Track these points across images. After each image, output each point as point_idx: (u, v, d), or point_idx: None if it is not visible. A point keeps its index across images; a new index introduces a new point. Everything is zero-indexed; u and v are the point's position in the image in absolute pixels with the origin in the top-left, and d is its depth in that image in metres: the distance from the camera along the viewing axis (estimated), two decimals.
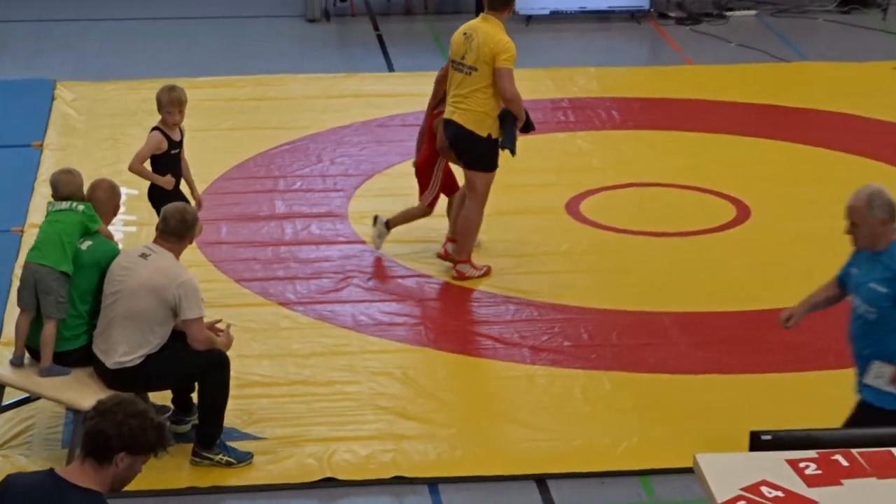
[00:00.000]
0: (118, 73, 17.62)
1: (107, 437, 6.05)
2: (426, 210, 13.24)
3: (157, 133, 12.27)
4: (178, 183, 12.34)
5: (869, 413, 9.01)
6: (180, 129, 12.37)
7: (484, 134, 12.62)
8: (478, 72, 12.55)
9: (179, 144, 12.37)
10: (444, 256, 13.14)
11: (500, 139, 12.67)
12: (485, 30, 12.63)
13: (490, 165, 12.78)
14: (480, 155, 12.73)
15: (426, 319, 12.22)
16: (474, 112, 12.58)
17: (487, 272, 12.93)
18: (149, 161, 12.28)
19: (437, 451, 10.45)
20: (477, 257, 12.98)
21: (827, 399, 11.11)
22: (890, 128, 16.10)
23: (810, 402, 11.05)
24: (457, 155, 12.91)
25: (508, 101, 12.57)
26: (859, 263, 9.01)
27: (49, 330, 10.13)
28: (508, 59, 12.55)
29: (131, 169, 12.36)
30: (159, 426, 6.16)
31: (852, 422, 9.13)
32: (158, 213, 11.36)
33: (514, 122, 12.70)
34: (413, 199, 14.13)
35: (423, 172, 13.24)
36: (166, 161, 12.28)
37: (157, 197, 12.19)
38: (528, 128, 12.89)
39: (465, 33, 12.75)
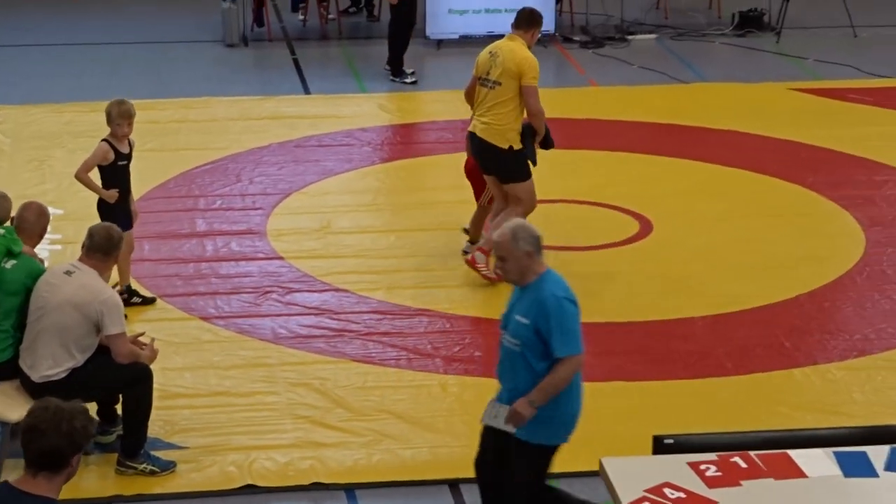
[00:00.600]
0: (43, 97, 17.52)
1: (61, 450, 6.11)
2: (487, 207, 13.40)
3: (105, 144, 12.27)
4: (127, 196, 12.36)
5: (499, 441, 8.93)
6: (129, 142, 12.38)
7: (505, 146, 12.80)
8: (502, 86, 12.76)
9: (128, 157, 12.37)
10: (471, 263, 13.15)
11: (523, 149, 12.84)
12: (510, 47, 12.86)
13: (523, 174, 12.94)
14: (508, 167, 12.91)
15: (343, 332, 12.19)
16: (493, 126, 12.78)
17: (493, 280, 12.87)
18: (97, 171, 12.32)
19: (353, 458, 10.44)
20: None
21: (724, 403, 11.21)
22: (785, 145, 16.24)
23: (709, 406, 11.13)
24: (483, 167, 13.09)
25: (532, 116, 12.81)
26: (513, 298, 8.83)
27: None
28: (534, 77, 12.78)
29: (77, 176, 12.35)
30: (86, 412, 6.25)
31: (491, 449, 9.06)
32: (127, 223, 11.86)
33: (533, 135, 12.90)
34: (329, 216, 14.18)
35: (473, 176, 13.48)
36: (113, 172, 12.29)
37: (104, 209, 12.21)
38: (547, 144, 13.13)
39: (490, 52, 12.99)
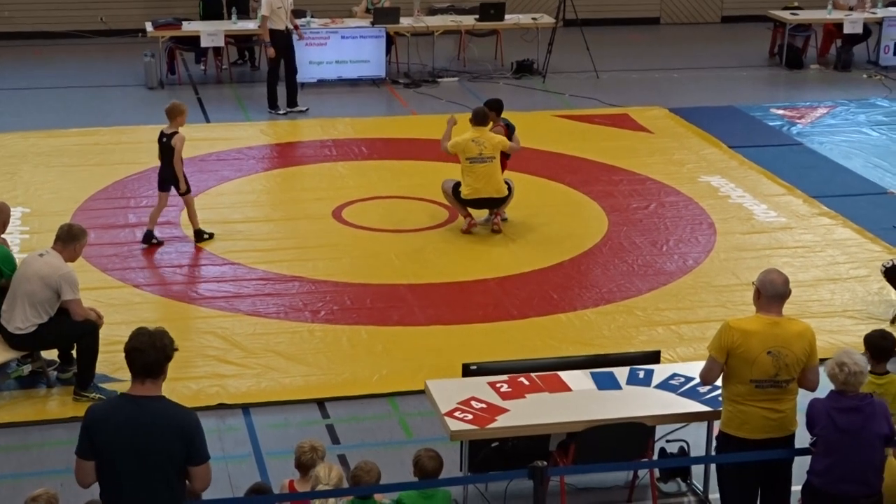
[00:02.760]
0: (13, 127, 17.07)
1: (159, 362, 6.38)
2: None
3: (182, 134, 12.90)
4: None
5: None
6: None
7: (507, 193, 13.55)
8: (495, 159, 13.36)
9: None
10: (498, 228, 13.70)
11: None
12: (483, 134, 13.41)
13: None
14: (508, 198, 13.59)
15: (237, 294, 12.04)
16: (501, 183, 13.45)
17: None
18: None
19: (247, 385, 10.35)
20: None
21: (512, 339, 11.26)
22: (551, 156, 16.30)
23: (501, 342, 11.16)
24: (493, 207, 13.68)
25: (515, 152, 13.95)
26: None
27: None
28: (506, 142, 13.54)
29: (176, 164, 12.83)
30: (168, 334, 6.49)
31: None
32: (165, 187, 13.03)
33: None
34: (225, 211, 13.98)
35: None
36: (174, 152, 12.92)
37: (171, 178, 12.98)
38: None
39: (472, 139, 13.36)
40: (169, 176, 12.99)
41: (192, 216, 13.21)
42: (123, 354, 6.45)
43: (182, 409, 6.47)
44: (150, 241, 13.04)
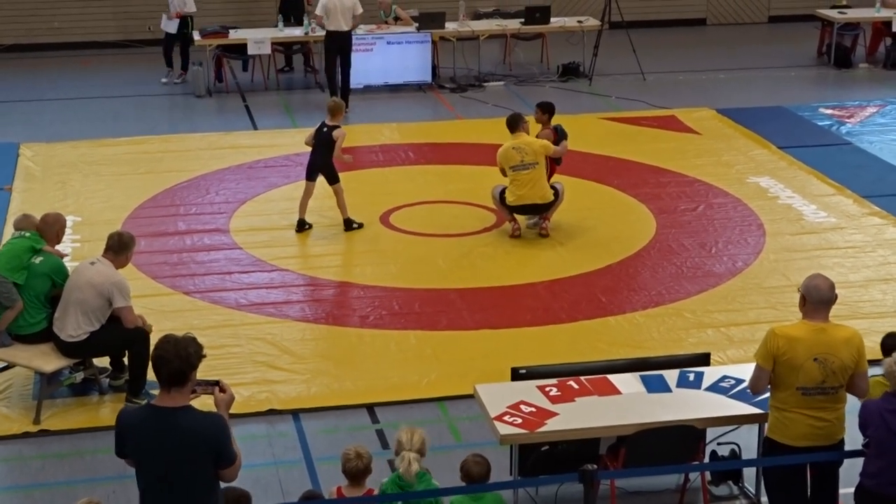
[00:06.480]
0: (63, 136, 17.21)
1: (183, 371, 6.29)
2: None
3: (343, 129, 13.49)
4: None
5: None
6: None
7: (552, 198, 13.51)
8: (538, 164, 13.31)
9: None
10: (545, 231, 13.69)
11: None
12: (523, 139, 13.41)
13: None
14: (554, 202, 13.55)
15: (286, 300, 12.08)
16: (546, 189, 13.49)
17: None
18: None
19: (297, 391, 10.37)
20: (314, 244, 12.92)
21: (561, 343, 11.22)
22: (598, 158, 16.26)
23: (550, 345, 11.12)
24: (539, 212, 13.65)
25: (560, 156, 13.85)
26: None
27: (7, 313, 10.05)
28: (549, 146, 13.48)
29: (336, 157, 13.41)
30: (195, 341, 6.41)
31: None
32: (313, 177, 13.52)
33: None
34: (274, 217, 14.03)
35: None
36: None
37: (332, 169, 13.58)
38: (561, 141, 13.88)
39: (513, 147, 13.32)
40: (319, 166, 13.49)
41: (340, 206, 13.67)
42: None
43: (207, 417, 6.41)
44: (303, 228, 13.63)
